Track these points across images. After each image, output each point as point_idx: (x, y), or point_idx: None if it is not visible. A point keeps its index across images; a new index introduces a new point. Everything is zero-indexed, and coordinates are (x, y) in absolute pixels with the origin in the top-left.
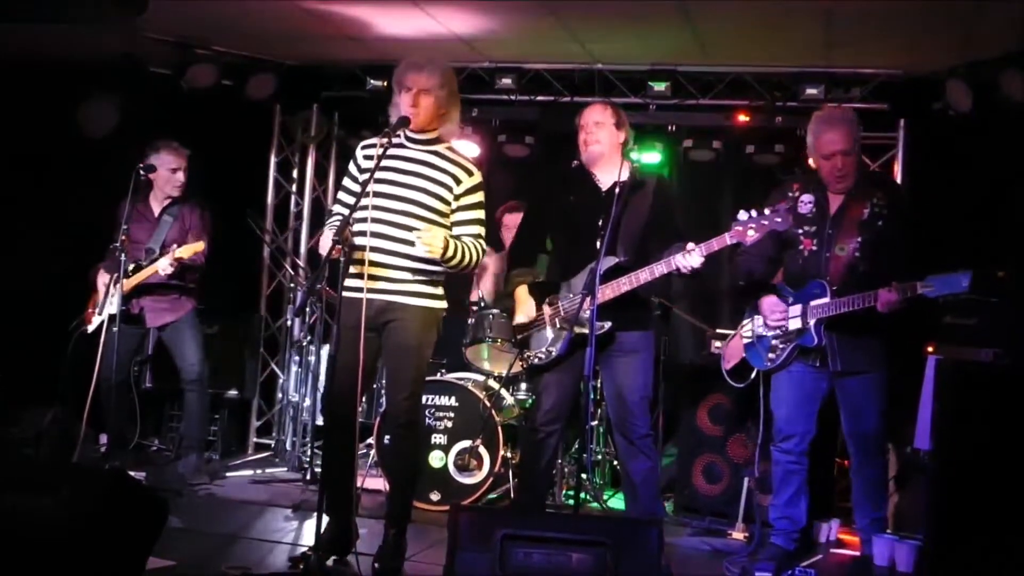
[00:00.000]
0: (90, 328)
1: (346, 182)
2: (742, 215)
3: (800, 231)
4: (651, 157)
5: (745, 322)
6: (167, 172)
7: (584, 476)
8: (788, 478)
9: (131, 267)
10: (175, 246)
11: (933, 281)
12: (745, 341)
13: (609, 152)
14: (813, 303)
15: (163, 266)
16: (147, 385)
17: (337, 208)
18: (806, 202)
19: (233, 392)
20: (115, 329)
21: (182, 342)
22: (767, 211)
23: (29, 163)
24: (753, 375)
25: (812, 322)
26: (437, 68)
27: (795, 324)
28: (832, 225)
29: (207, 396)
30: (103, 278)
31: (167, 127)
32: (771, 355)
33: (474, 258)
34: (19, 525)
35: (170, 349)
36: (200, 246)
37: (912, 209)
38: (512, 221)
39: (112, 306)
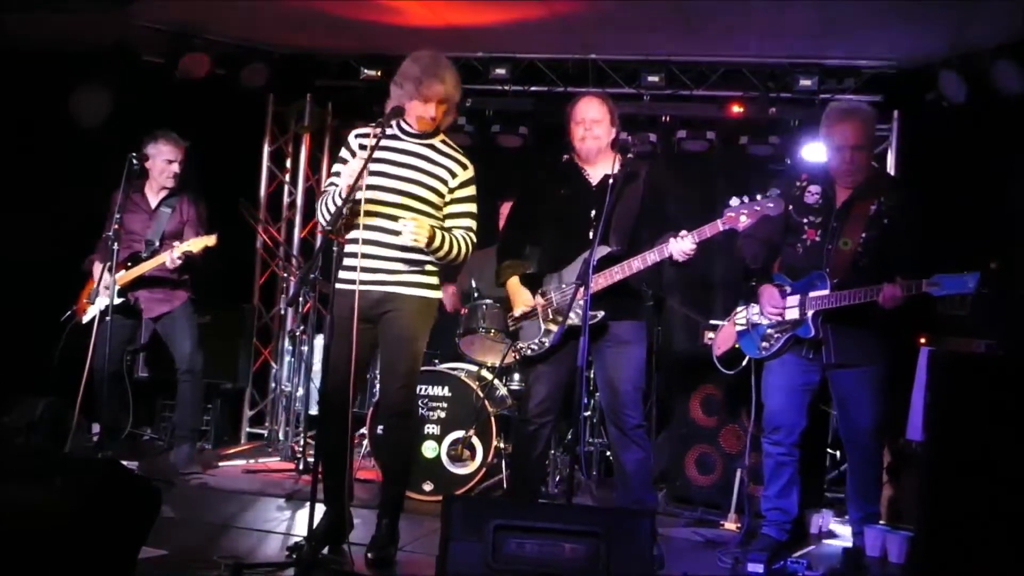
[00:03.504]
0: (84, 318)
1: (337, 167)
2: (734, 201)
3: (805, 220)
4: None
5: (739, 309)
6: (163, 163)
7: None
8: (779, 469)
9: (127, 258)
10: (178, 241)
11: (940, 279)
12: (739, 328)
13: (604, 148)
14: (812, 294)
15: (171, 258)
16: (140, 375)
17: (331, 190)
18: (813, 193)
19: (227, 384)
20: (108, 319)
21: (177, 333)
22: (759, 196)
23: (21, 152)
24: (744, 363)
25: (810, 314)
26: (451, 72)
27: (792, 315)
28: (837, 218)
29: (201, 386)
30: (99, 268)
31: (160, 116)
32: (765, 343)
33: (463, 250)
34: (11, 515)
35: (165, 340)
36: (212, 240)
37: (920, 210)
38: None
39: (104, 295)
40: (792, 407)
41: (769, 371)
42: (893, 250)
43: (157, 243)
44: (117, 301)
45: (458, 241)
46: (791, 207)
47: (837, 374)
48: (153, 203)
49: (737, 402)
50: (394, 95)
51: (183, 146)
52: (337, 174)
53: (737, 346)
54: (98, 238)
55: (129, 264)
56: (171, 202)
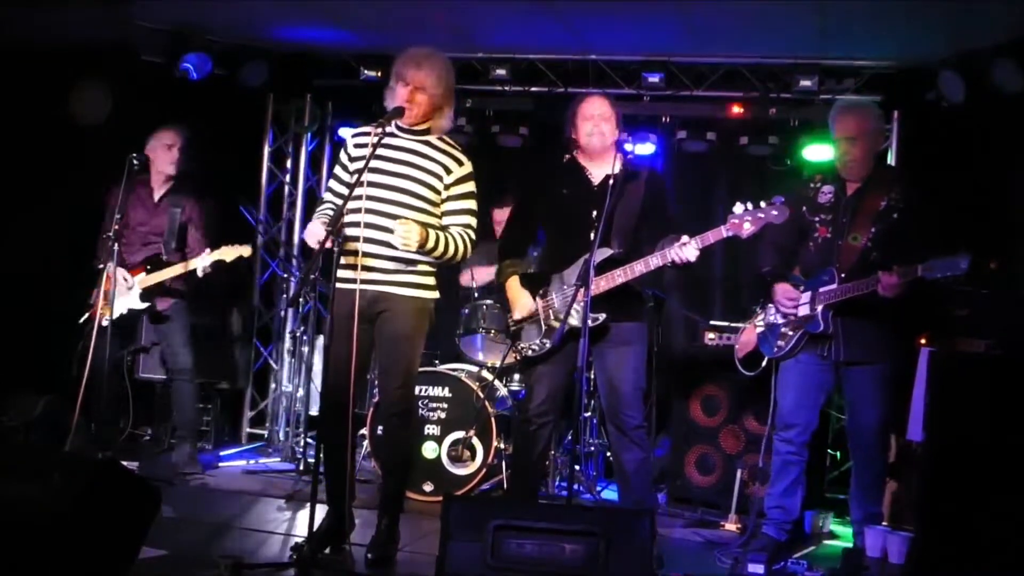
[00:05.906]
0: (105, 321)
1: (337, 171)
2: (738, 208)
3: (817, 219)
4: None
5: (758, 312)
6: (163, 148)
7: (577, 467)
8: (786, 468)
9: (145, 261)
10: (208, 250)
11: (933, 263)
12: (758, 330)
13: (609, 146)
14: (822, 289)
15: (202, 268)
16: (140, 375)
17: (328, 197)
18: (826, 192)
19: (225, 385)
20: (108, 321)
21: (171, 331)
22: (763, 204)
23: (20, 151)
24: (764, 364)
25: (820, 308)
26: (435, 66)
27: (804, 311)
28: (847, 214)
29: (195, 385)
30: (120, 271)
31: (159, 116)
32: (780, 342)
33: (460, 249)
34: (10, 514)
35: (160, 338)
36: (247, 250)
37: (928, 205)
38: (501, 216)
39: (124, 297)
40: (806, 406)
41: (784, 370)
42: (903, 245)
43: (173, 244)
44: (142, 306)
45: (455, 240)
46: (804, 208)
47: (847, 372)
48: (156, 196)
49: (737, 403)
50: (389, 95)
51: (182, 132)
52: (337, 178)
53: (757, 348)
54: (97, 237)
55: (148, 268)
56: (177, 200)
